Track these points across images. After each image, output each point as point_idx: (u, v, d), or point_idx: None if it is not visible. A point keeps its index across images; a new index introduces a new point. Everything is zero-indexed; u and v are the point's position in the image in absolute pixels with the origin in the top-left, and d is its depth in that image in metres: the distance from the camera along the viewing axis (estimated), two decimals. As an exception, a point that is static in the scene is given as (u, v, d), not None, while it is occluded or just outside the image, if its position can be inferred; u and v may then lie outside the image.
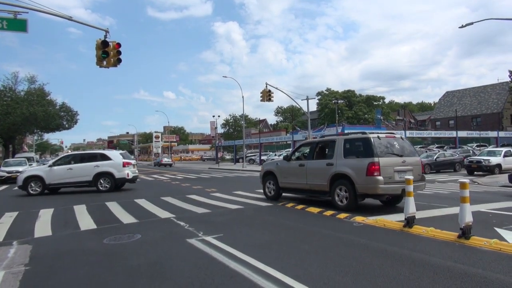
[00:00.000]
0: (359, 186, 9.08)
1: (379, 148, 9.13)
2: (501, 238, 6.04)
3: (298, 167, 11.04)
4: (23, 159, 28.19)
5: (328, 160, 10.09)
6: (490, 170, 22.42)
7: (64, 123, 45.90)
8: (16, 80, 41.35)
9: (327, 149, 10.67)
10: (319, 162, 10.42)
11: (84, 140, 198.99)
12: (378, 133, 9.93)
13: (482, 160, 22.96)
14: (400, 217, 7.50)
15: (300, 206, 10.14)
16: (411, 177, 7.32)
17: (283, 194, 12.13)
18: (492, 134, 46.95)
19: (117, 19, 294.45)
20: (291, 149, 43.43)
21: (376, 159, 8.86)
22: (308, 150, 11.29)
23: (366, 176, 8.89)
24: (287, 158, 11.81)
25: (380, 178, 8.77)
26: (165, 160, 51.29)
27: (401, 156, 9.45)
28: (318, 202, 11.09)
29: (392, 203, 10.25)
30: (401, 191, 8.68)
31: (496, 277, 4.36)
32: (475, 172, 23.23)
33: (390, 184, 8.90)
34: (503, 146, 35.87)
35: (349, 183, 9.27)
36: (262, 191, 12.96)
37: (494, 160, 22.93)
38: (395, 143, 9.71)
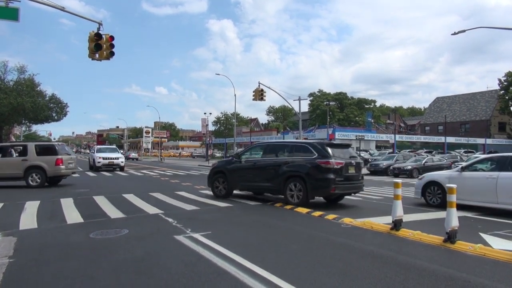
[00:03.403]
0: (50, 172, 15.60)
1: (60, 150, 16.37)
2: (485, 244, 6.12)
3: None
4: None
5: (23, 157, 15.60)
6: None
7: (53, 114, 45.23)
8: (6, 70, 40.70)
9: (20, 150, 16.17)
10: (15, 158, 15.96)
11: (73, 132, 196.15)
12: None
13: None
14: (388, 219, 7.56)
15: (289, 206, 10.17)
16: (399, 181, 7.40)
17: None
18: (480, 141, 47.73)
19: (111, 12, 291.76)
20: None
21: (60, 156, 15.81)
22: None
23: (55, 165, 15.65)
24: None
25: (63, 166, 15.91)
26: (132, 155, 62.56)
27: (69, 154, 17.29)
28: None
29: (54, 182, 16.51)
30: (70, 173, 16.85)
31: (479, 282, 4.43)
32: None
33: (66, 170, 16.19)
34: (490, 153, 36.46)
35: (43, 171, 15.44)
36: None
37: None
38: (66, 148, 18.19)
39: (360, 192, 11.78)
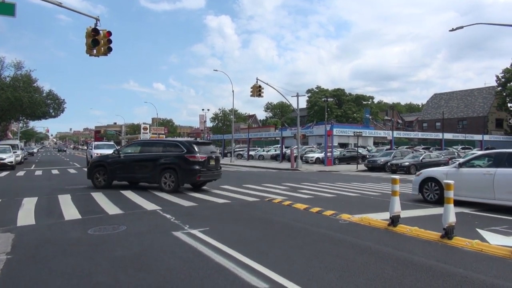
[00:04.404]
0: None
1: None
2: (482, 239, 6.16)
3: None
4: (8, 146, 27.69)
5: None
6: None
7: (51, 111, 45.02)
8: (2, 66, 40.37)
9: None
10: None
11: (70, 129, 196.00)
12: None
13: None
14: (385, 216, 7.58)
15: (287, 202, 10.18)
16: (397, 177, 7.42)
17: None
18: (477, 137, 47.74)
19: (108, 8, 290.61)
20: (279, 145, 43.51)
21: None
22: None
23: None
24: None
25: None
26: None
27: None
28: (304, 199, 11.24)
29: None
30: None
31: (476, 277, 4.45)
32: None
33: None
34: (487, 149, 36.56)
35: None
36: (250, 185, 13.97)
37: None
38: None
39: (218, 179, 14.12)
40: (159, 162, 12.77)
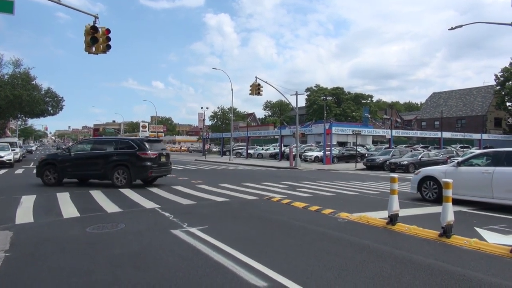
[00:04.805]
0: None
1: None
2: (480, 238, 6.17)
3: None
4: (6, 144, 27.64)
5: None
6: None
7: (49, 108, 44.95)
8: (1, 63, 40.19)
9: None
10: None
11: (69, 127, 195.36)
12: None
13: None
14: (384, 214, 7.60)
15: (285, 201, 10.19)
16: (395, 176, 7.43)
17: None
18: (476, 136, 47.81)
19: (107, 6, 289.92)
20: (278, 144, 43.51)
21: None
22: None
23: None
24: None
25: None
26: None
27: None
28: (303, 197, 11.23)
29: None
30: None
31: (474, 276, 4.46)
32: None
33: None
34: (485, 148, 36.59)
35: None
36: (249, 184, 13.89)
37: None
38: None
39: (168, 175, 15.09)
40: (111, 159, 13.28)
